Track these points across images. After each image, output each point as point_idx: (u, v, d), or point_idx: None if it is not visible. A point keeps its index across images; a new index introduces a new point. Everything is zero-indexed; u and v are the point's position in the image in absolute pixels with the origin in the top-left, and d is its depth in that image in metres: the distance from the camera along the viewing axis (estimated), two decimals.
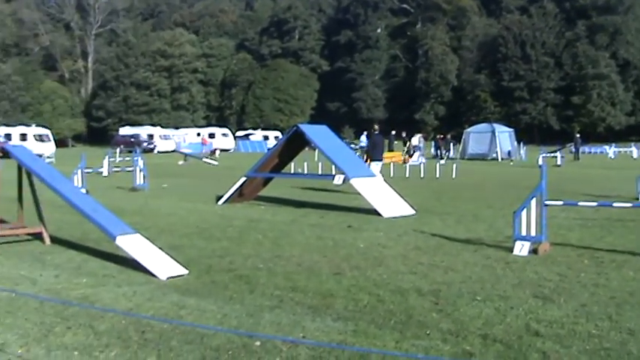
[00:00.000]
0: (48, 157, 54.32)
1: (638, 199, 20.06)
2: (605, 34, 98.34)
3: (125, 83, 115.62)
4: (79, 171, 24.56)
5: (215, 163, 47.49)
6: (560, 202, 13.61)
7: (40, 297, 8.93)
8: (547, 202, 12.03)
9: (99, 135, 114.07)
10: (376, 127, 29.89)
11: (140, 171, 26.30)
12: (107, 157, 34.56)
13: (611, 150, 63.81)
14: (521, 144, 59.45)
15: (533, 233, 11.87)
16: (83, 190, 19.50)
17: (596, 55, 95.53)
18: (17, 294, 9.10)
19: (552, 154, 47.45)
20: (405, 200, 18.45)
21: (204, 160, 49.78)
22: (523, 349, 6.83)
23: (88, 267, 11.14)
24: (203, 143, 66.58)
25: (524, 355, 6.69)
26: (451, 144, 60.22)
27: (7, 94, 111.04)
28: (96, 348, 7.05)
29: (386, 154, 31.81)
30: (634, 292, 9.08)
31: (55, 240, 13.64)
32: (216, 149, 67.34)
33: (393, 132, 59.37)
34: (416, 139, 53.54)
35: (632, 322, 7.71)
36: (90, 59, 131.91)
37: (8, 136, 71.78)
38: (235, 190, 20.34)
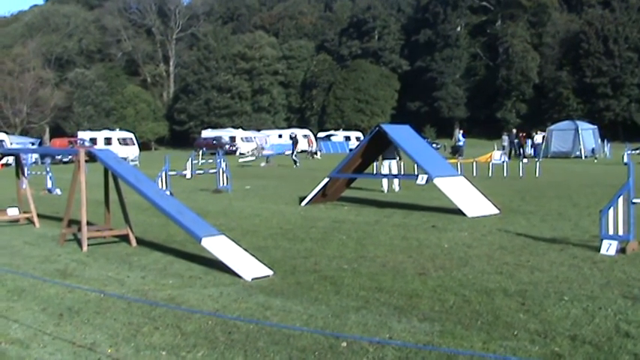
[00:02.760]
0: (132, 161, 55.24)
1: None
2: None
3: (206, 86, 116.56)
4: (163, 173, 24.83)
5: (298, 164, 47.82)
6: None
7: (127, 298, 9.06)
8: (635, 200, 11.76)
9: (181, 138, 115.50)
10: None
11: (223, 173, 26.54)
12: (190, 159, 34.86)
13: None
14: (605, 141, 58.48)
15: (620, 232, 11.63)
16: (167, 193, 19.72)
17: None
18: (106, 295, 9.25)
19: (638, 151, 46.54)
20: (489, 199, 18.27)
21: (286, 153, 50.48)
22: (613, 351, 6.70)
23: (173, 268, 11.26)
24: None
25: (615, 356, 6.55)
26: (529, 140, 59.51)
27: (92, 99, 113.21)
28: (183, 348, 7.12)
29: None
30: None
31: (141, 242, 13.84)
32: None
33: (514, 130, 58.72)
34: (539, 137, 53.09)
35: None
36: (171, 63, 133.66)
37: (93, 141, 73.34)
38: (318, 191, 20.36)
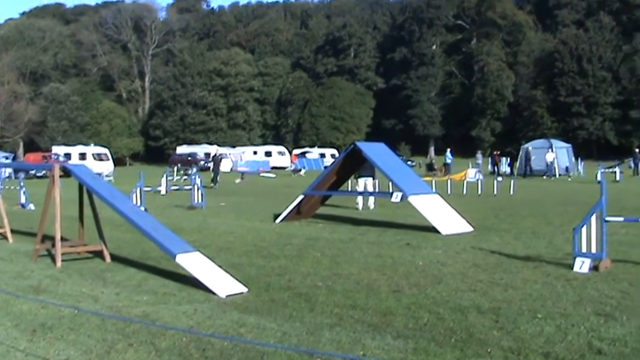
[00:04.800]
0: (107, 176, 55.01)
1: None
2: None
3: (182, 102, 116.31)
4: (138, 189, 24.76)
5: (272, 175, 47.63)
6: (621, 219, 13.44)
7: (101, 314, 9.01)
8: (607, 219, 11.86)
9: (156, 154, 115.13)
10: None
11: (198, 189, 26.48)
12: (165, 175, 34.79)
13: None
14: (579, 159, 58.81)
15: (593, 250, 11.70)
16: (142, 209, 19.67)
17: None
18: (79, 311, 9.19)
19: (611, 170, 46.80)
20: (463, 217, 18.34)
21: (262, 174, 50.09)
22: None
23: (148, 285, 11.22)
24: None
25: None
26: (504, 159, 59.85)
27: (67, 114, 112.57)
28: None
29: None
30: None
31: (115, 258, 13.78)
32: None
33: (530, 148, 58.57)
34: (550, 156, 53.13)
35: None
36: (147, 79, 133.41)
37: (68, 156, 73.05)
38: (293, 208, 20.37)
